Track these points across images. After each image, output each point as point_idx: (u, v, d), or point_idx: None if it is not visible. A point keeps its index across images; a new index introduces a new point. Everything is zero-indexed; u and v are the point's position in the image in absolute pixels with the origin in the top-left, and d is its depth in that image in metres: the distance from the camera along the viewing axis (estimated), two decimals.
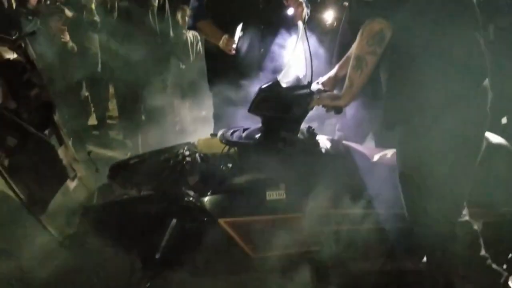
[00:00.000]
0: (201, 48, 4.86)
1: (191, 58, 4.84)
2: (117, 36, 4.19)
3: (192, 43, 4.87)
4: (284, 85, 2.14)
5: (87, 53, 4.69)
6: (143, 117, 4.52)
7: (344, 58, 2.27)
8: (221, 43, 2.80)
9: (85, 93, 4.99)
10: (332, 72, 2.32)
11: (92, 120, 5.31)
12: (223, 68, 2.90)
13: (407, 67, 1.82)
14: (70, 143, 2.51)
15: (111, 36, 4.26)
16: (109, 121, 5.39)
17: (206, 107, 4.96)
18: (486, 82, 1.83)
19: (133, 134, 4.55)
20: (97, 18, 4.34)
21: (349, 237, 2.09)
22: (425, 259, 2.17)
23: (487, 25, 3.51)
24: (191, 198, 1.99)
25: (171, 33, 4.41)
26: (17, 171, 2.02)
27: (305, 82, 2.12)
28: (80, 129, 4.41)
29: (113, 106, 5.34)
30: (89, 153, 2.43)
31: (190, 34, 4.92)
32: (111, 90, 5.13)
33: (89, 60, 4.67)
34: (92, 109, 5.23)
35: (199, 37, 4.88)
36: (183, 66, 4.79)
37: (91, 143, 4.55)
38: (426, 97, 1.79)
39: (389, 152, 2.24)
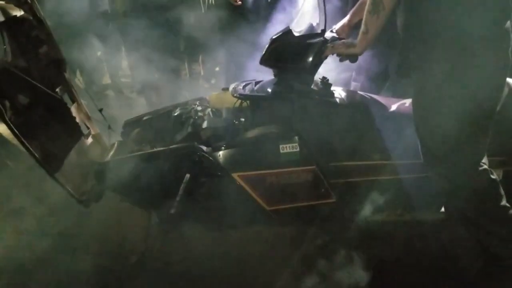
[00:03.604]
0: (213, 1, 4.73)
1: (203, 10, 4.70)
2: None
3: None
4: (296, 34, 2.07)
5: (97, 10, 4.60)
6: (156, 74, 4.47)
7: (358, 4, 2.17)
8: None
9: (98, 52, 4.94)
10: (345, 19, 2.22)
11: (106, 79, 5.29)
12: (233, 21, 2.82)
13: (425, 10, 1.71)
14: (82, 101, 2.49)
15: None
16: (123, 80, 5.35)
17: (219, 62, 4.91)
18: (508, 24, 1.72)
19: (147, 92, 4.53)
20: None
21: (366, 188, 2.07)
22: (443, 209, 2.16)
23: None
24: (204, 153, 1.97)
25: None
26: (31, 129, 2.01)
27: (319, 30, 2.03)
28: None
29: (125, 64, 5.29)
30: (100, 110, 2.41)
31: None
32: (123, 48, 5.05)
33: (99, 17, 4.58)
34: (105, 68, 5.19)
35: None
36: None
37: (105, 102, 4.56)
38: (443, 41, 1.69)
39: (407, 101, 2.17)
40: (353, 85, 2.86)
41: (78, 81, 4.48)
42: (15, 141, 3.39)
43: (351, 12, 2.21)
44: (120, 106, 4.68)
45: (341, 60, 2.01)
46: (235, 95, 2.16)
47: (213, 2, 4.69)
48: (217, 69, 5.08)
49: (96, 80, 4.95)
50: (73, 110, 2.38)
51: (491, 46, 1.68)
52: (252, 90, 2.19)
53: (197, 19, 4.22)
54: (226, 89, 2.36)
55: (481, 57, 1.67)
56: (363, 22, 1.82)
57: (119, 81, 5.23)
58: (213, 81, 4.94)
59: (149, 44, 4.29)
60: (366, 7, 1.78)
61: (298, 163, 1.98)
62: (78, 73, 4.70)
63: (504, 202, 1.87)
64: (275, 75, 2.17)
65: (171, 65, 4.36)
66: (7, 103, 1.91)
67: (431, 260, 2.10)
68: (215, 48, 4.07)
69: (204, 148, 1.99)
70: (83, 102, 2.47)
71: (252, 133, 2.04)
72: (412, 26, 1.79)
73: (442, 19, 1.68)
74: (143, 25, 4.31)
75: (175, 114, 2.36)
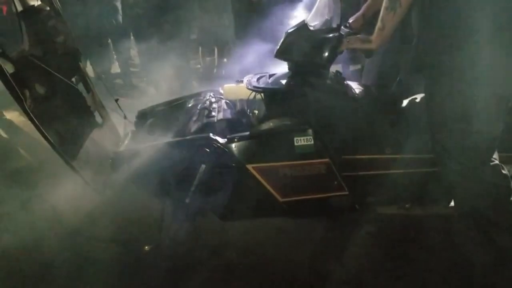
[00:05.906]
0: None
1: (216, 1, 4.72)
2: None
3: None
4: (311, 28, 2.09)
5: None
6: (165, 64, 4.49)
7: None
8: None
9: (107, 41, 4.97)
10: (360, 12, 2.24)
11: (115, 68, 5.31)
12: (249, 13, 2.83)
13: (442, 6, 1.73)
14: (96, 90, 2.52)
15: None
16: (132, 69, 5.37)
17: (227, 54, 4.92)
18: None
19: (156, 81, 4.55)
20: None
21: (377, 182, 2.10)
22: (453, 203, 2.19)
23: None
24: (219, 144, 2.00)
25: None
26: (48, 118, 2.04)
27: (334, 25, 2.05)
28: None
29: (135, 54, 5.32)
30: (116, 100, 2.44)
31: None
32: (132, 37, 5.07)
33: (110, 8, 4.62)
34: (115, 57, 5.22)
35: None
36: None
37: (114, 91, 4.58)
38: (458, 37, 1.71)
39: (419, 96, 2.19)
40: (364, 80, 2.88)
41: (89, 70, 4.51)
42: (26, 128, 3.43)
43: (365, 5, 2.23)
44: (129, 95, 4.71)
45: (357, 54, 2.03)
46: (249, 87, 2.18)
47: None
48: (225, 60, 5.10)
49: (105, 69, 4.97)
50: (88, 99, 2.42)
51: (507, 42, 1.69)
52: (266, 83, 2.21)
53: (209, 10, 4.25)
54: (240, 82, 2.38)
55: (495, 53, 1.69)
56: (379, 18, 1.84)
57: (128, 71, 5.25)
58: (222, 72, 4.95)
59: (158, 34, 4.32)
60: (384, 4, 1.80)
61: (312, 156, 2.00)
62: (88, 62, 4.72)
63: None
64: (289, 68, 2.19)
65: (180, 56, 4.39)
66: (27, 92, 1.94)
67: (440, 255, 2.13)
68: (226, 40, 4.08)
69: (219, 139, 2.02)
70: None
71: (266, 125, 2.07)
72: (428, 22, 1.80)
73: (458, 15, 1.70)
74: (153, 15, 4.33)
75: (189, 105, 2.39)
